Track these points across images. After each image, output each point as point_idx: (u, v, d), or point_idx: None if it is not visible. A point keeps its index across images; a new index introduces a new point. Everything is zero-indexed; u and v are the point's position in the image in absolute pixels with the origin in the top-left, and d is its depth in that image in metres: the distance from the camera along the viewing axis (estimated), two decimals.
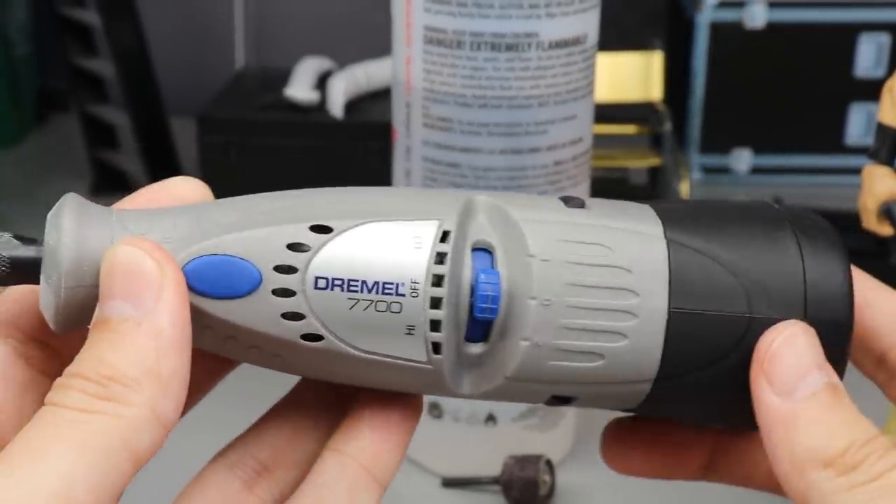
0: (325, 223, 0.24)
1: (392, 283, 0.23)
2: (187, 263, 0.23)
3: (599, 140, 0.51)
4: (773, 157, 0.80)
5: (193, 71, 0.90)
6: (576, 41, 0.43)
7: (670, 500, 0.48)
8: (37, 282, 0.23)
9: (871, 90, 0.76)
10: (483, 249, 0.24)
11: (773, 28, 0.77)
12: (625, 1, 0.68)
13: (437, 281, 0.23)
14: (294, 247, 0.23)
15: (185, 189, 0.26)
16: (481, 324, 0.24)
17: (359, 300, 0.23)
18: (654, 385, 0.24)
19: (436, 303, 0.23)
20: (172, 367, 0.22)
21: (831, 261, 0.24)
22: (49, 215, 0.24)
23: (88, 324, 0.23)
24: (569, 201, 0.25)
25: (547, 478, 0.47)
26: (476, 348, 0.24)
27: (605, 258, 0.24)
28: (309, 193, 0.25)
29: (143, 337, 0.22)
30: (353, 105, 0.66)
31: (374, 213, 0.24)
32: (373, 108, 0.66)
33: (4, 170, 0.81)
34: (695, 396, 0.25)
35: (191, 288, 0.23)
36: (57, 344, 0.25)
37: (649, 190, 0.69)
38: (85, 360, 0.22)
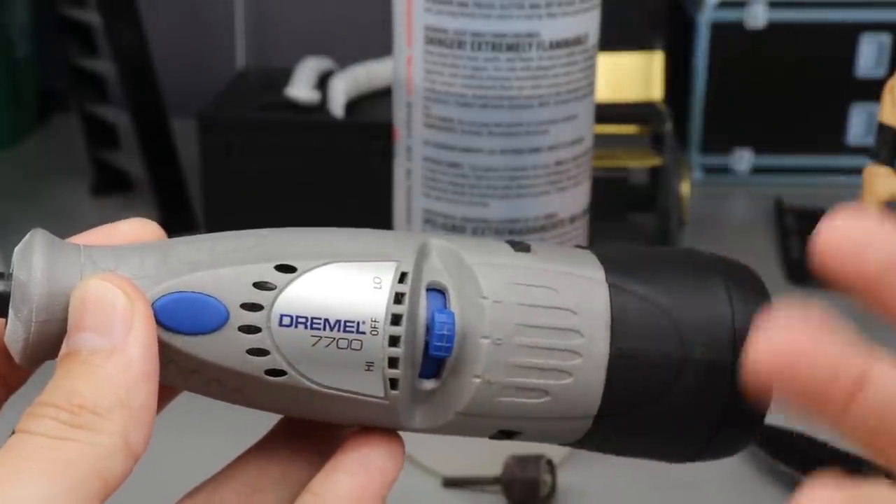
0: (290, 263, 0.24)
1: (353, 322, 0.24)
2: (157, 300, 0.24)
3: (600, 140, 0.51)
4: (774, 157, 0.80)
5: (194, 71, 0.90)
6: (577, 41, 0.43)
7: (670, 499, 0.48)
8: (2, 315, 0.24)
9: (872, 90, 0.75)
10: (437, 290, 0.25)
11: (773, 28, 0.77)
12: (625, 1, 0.68)
13: (396, 320, 0.24)
14: (260, 285, 0.24)
15: (142, 231, 0.26)
16: (435, 361, 0.25)
17: (321, 337, 0.24)
18: (595, 421, 0.25)
19: (394, 341, 0.24)
20: (142, 398, 0.23)
21: (758, 307, 0.25)
22: (17, 250, 0.25)
23: (53, 357, 0.24)
24: (516, 245, 0.26)
25: (548, 478, 0.47)
26: (429, 384, 0.25)
27: (552, 300, 0.25)
28: (274, 233, 0.25)
29: (114, 368, 0.22)
30: (353, 105, 0.66)
31: (337, 253, 0.25)
32: (374, 108, 0.66)
33: (4, 170, 0.81)
34: (633, 433, 0.26)
35: (159, 323, 0.24)
36: (5, 372, 0.25)
37: (650, 190, 0.69)
38: (56, 390, 0.22)
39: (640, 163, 0.68)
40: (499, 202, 0.44)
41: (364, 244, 0.25)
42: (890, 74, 0.48)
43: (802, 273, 0.67)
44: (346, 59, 0.71)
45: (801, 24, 0.77)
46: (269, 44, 0.92)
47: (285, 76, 0.68)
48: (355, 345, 0.24)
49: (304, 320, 0.24)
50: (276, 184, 0.64)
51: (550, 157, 0.44)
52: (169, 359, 0.24)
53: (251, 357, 0.24)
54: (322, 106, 0.65)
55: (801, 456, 0.48)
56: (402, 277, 0.24)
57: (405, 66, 0.44)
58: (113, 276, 0.23)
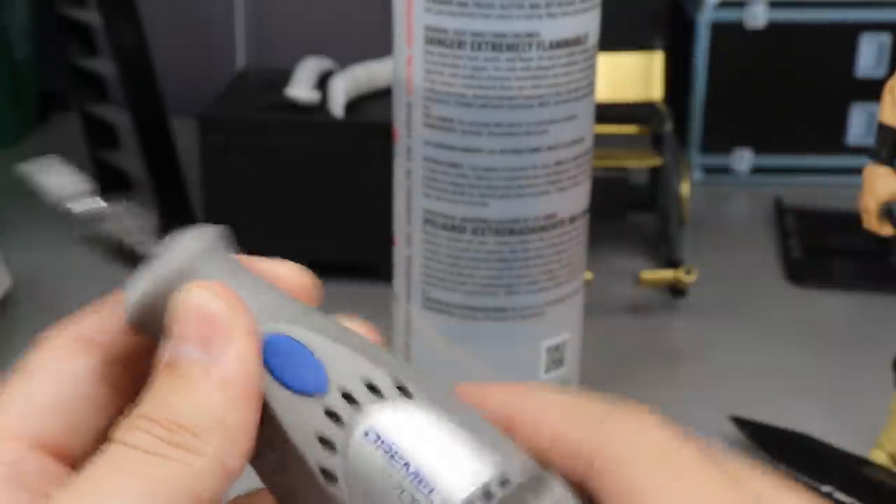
0: (409, 388, 0.23)
1: (434, 486, 0.22)
2: (268, 335, 0.23)
3: (600, 140, 0.51)
4: (774, 157, 0.80)
5: (194, 71, 0.90)
6: (577, 41, 0.43)
7: None
8: (133, 265, 0.24)
9: (872, 90, 0.75)
10: None
11: (773, 28, 0.77)
12: (625, 1, 0.68)
13: None
14: (371, 387, 0.23)
15: (291, 277, 0.25)
16: None
17: (392, 475, 0.22)
18: None
19: None
20: (240, 418, 0.22)
21: None
22: (184, 232, 0.24)
23: (154, 334, 0.23)
24: None
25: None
26: None
27: None
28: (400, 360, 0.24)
29: (212, 386, 0.22)
30: (353, 105, 0.66)
31: (461, 422, 0.22)
32: (374, 108, 0.66)
33: (5, 170, 0.81)
34: None
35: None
36: (134, 364, 0.25)
37: (650, 190, 0.69)
38: (154, 404, 0.22)
39: (640, 163, 0.68)
40: (499, 202, 0.44)
41: (489, 435, 0.23)
42: (890, 74, 0.47)
43: (802, 273, 0.67)
44: (346, 59, 0.71)
45: (801, 24, 0.77)
46: (269, 44, 0.92)
47: (285, 76, 0.68)
48: None
49: (388, 448, 0.22)
50: (276, 184, 0.64)
51: (550, 157, 0.44)
52: None
53: (318, 445, 0.22)
54: (322, 106, 0.65)
55: (801, 456, 0.48)
56: (505, 482, 0.22)
57: (405, 66, 0.44)
58: (217, 285, 0.23)
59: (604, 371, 0.56)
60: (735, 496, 0.22)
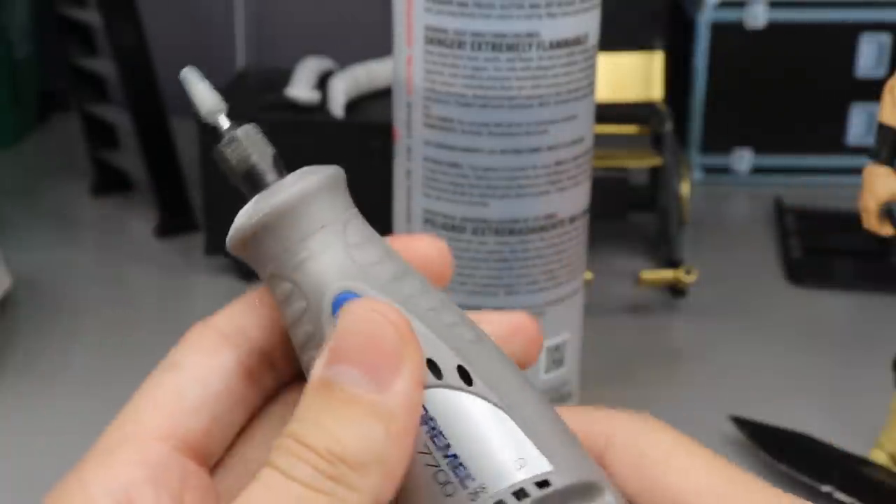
0: (471, 373, 0.22)
1: (469, 473, 0.22)
2: (343, 292, 0.23)
3: (600, 140, 0.51)
4: (774, 157, 0.80)
5: None
6: (576, 41, 0.43)
7: None
8: (253, 192, 0.24)
9: (872, 90, 0.75)
10: None
11: (773, 28, 0.77)
12: (625, 1, 0.68)
13: None
14: (432, 365, 0.22)
15: (429, 250, 0.25)
16: None
17: (430, 452, 0.22)
18: None
19: None
20: (399, 454, 0.21)
21: None
22: (311, 168, 0.25)
23: (253, 263, 0.24)
24: None
25: None
26: None
27: None
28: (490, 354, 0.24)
29: (376, 419, 0.21)
30: (353, 105, 0.66)
31: (518, 417, 0.22)
32: (374, 108, 0.66)
33: (4, 170, 0.81)
34: None
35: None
36: (276, 357, 0.25)
37: (650, 190, 0.69)
38: (313, 429, 0.21)
39: (640, 163, 0.68)
40: (499, 202, 0.44)
41: (560, 436, 0.23)
42: (890, 74, 0.48)
43: (802, 273, 0.67)
44: (346, 59, 0.71)
45: (801, 24, 0.77)
46: (269, 44, 0.92)
47: (285, 76, 0.68)
48: (449, 489, 0.22)
49: (433, 427, 0.22)
50: None
51: (550, 157, 0.44)
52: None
53: None
54: (322, 106, 0.65)
55: (801, 456, 0.48)
56: (544, 483, 0.22)
57: (405, 66, 0.44)
58: (389, 309, 0.22)
59: (604, 371, 0.56)
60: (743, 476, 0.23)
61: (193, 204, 0.72)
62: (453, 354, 0.23)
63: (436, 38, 0.43)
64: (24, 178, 0.80)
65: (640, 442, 0.24)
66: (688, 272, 0.62)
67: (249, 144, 0.25)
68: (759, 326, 0.61)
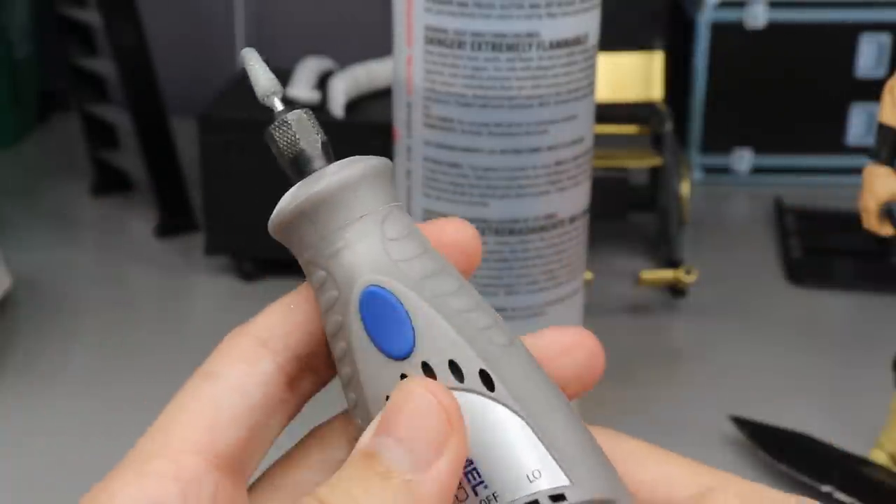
0: (494, 379, 0.22)
1: (483, 480, 0.22)
2: (376, 287, 0.23)
3: (600, 140, 0.51)
4: (774, 157, 0.80)
5: (194, 71, 0.90)
6: (576, 41, 0.43)
7: None
8: (298, 177, 0.24)
9: (872, 90, 0.75)
10: None
11: (773, 28, 0.77)
12: (625, 1, 0.68)
13: None
14: (454, 367, 0.22)
15: (457, 236, 0.25)
16: None
17: None
18: None
19: None
20: None
21: None
22: (358, 157, 0.25)
23: (293, 248, 0.24)
24: None
25: None
26: None
27: None
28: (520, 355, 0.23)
29: (406, 499, 0.21)
30: (353, 105, 0.66)
31: (539, 427, 0.22)
32: (374, 108, 0.66)
33: (4, 170, 0.81)
34: None
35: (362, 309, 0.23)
36: (317, 362, 0.24)
37: (650, 190, 0.69)
38: (340, 498, 0.21)
39: (640, 163, 0.68)
40: (499, 202, 0.44)
41: (581, 452, 0.22)
42: (890, 74, 0.48)
43: (802, 273, 0.67)
44: (346, 59, 0.71)
45: (801, 24, 0.77)
46: (269, 44, 0.92)
47: (285, 76, 0.68)
48: (460, 494, 0.22)
49: None
50: (276, 184, 0.64)
51: (550, 157, 0.44)
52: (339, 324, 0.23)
53: (385, 404, 0.22)
54: (322, 106, 0.65)
55: (801, 456, 0.48)
56: (559, 497, 0.21)
57: (405, 66, 0.44)
58: (444, 394, 0.21)
59: (604, 371, 0.56)
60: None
61: (193, 204, 0.72)
62: (478, 358, 0.22)
63: (436, 38, 0.43)
64: (24, 178, 0.80)
65: (613, 441, 0.25)
66: (688, 272, 0.62)
67: (299, 129, 0.25)
68: (759, 326, 0.61)
